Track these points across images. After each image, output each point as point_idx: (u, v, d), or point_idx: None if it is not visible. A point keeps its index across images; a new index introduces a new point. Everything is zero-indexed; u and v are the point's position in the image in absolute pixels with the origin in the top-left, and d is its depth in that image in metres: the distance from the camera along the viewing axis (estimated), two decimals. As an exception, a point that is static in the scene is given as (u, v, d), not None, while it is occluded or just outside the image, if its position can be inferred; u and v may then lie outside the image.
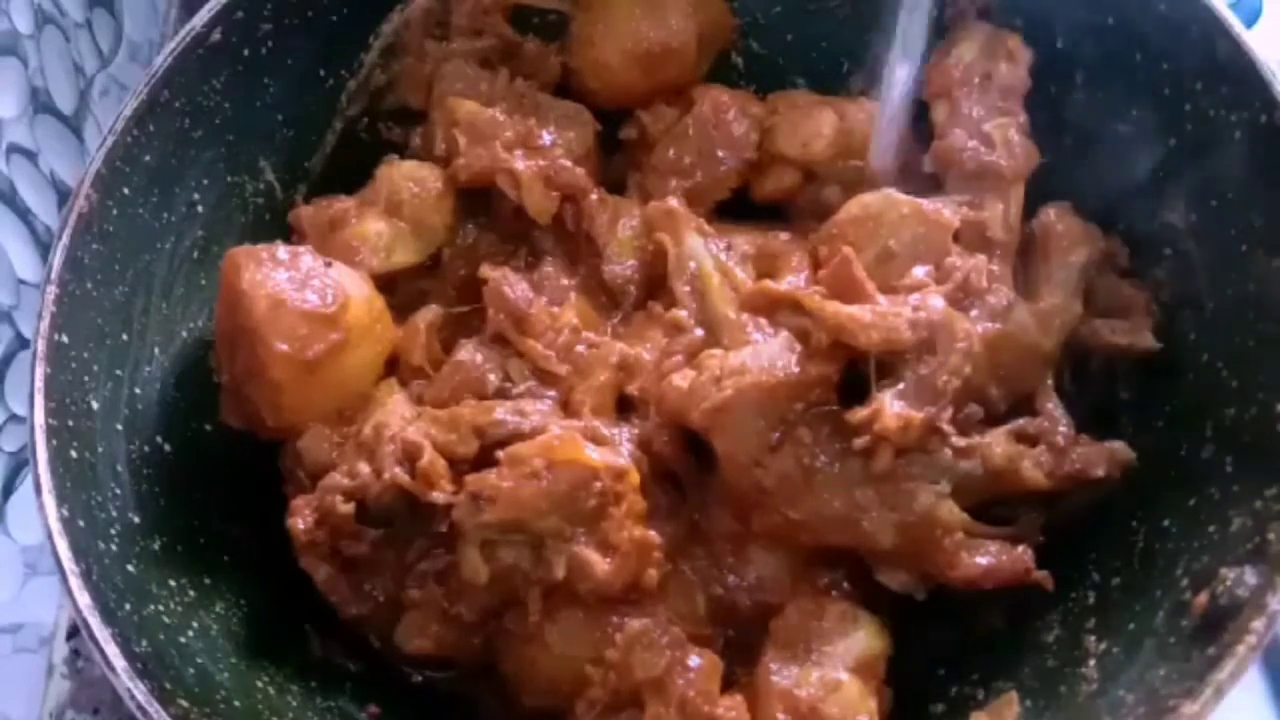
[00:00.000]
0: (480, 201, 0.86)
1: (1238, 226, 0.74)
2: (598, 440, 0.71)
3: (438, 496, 0.70)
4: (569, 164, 0.84)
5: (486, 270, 0.80)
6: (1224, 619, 0.62)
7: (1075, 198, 0.83)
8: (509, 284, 0.79)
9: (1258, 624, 0.60)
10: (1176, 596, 0.67)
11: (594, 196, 0.85)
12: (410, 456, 0.70)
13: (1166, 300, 0.80)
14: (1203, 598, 0.64)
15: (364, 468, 0.72)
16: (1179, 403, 0.77)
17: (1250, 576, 0.63)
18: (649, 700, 0.68)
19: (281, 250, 0.75)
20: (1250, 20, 1.05)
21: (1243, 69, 0.72)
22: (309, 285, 0.74)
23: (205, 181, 0.81)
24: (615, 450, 0.71)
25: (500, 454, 0.69)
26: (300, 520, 0.72)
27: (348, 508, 0.71)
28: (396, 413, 0.74)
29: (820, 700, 0.68)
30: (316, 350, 0.73)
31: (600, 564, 0.69)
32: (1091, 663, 0.70)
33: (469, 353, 0.78)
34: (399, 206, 0.84)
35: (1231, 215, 0.75)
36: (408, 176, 0.85)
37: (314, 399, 0.75)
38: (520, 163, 0.83)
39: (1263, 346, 0.72)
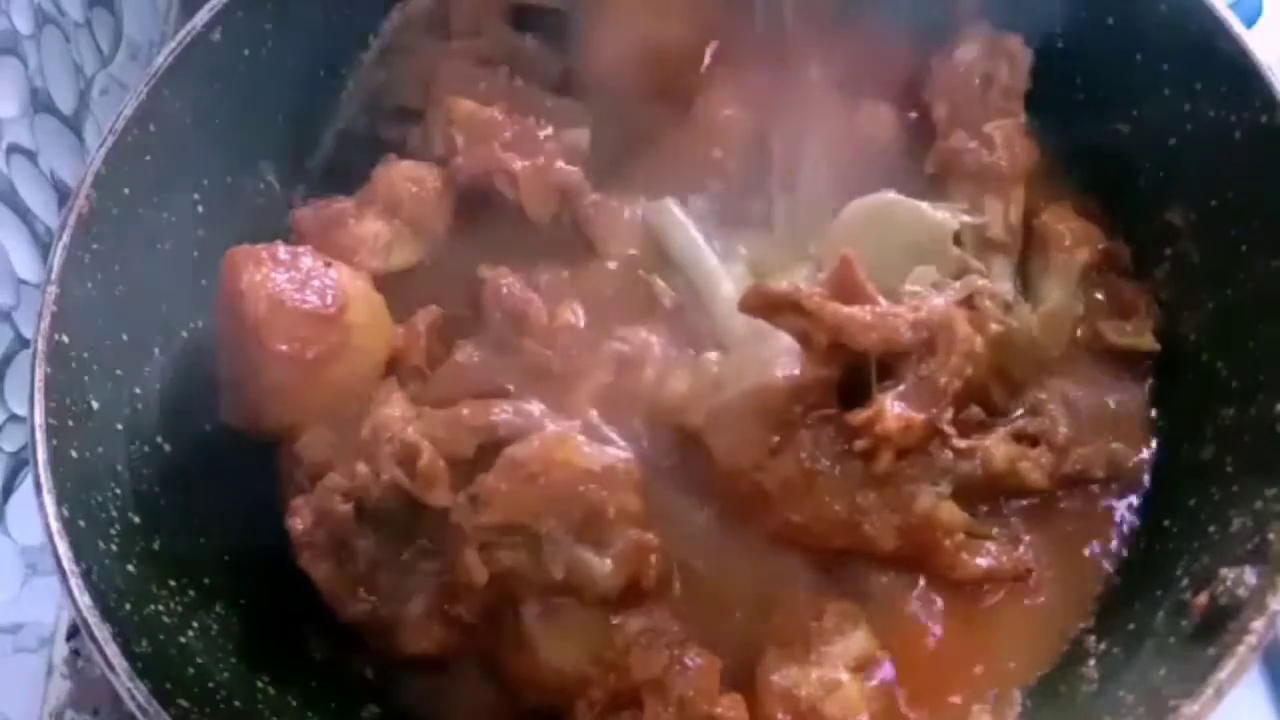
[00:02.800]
0: (479, 201, 0.86)
1: (1238, 226, 0.74)
2: (597, 440, 0.71)
3: (436, 497, 0.70)
4: (567, 164, 0.84)
5: (485, 270, 0.80)
6: (1224, 619, 0.62)
7: (1075, 198, 0.83)
8: (507, 284, 0.79)
9: (1258, 624, 0.60)
10: (1176, 596, 0.67)
11: (592, 196, 0.85)
12: (409, 457, 0.70)
13: (1166, 300, 0.80)
14: (1203, 598, 0.64)
15: (363, 468, 0.72)
16: (1179, 403, 0.77)
17: (1250, 576, 0.63)
18: (648, 700, 0.68)
19: (281, 250, 0.75)
20: (1250, 20, 1.05)
21: (1243, 69, 0.72)
22: (309, 286, 0.74)
23: (205, 181, 0.81)
24: (614, 450, 0.71)
25: (499, 455, 0.69)
26: (299, 520, 0.72)
27: (347, 508, 0.71)
28: (396, 413, 0.74)
29: (820, 700, 0.68)
30: (316, 351, 0.73)
31: (599, 565, 0.69)
32: (1091, 663, 0.70)
33: (468, 353, 0.78)
34: (398, 206, 0.84)
35: (1231, 215, 0.75)
36: (406, 176, 0.84)
37: (313, 399, 0.75)
38: (518, 163, 0.83)
39: (1263, 346, 0.72)
